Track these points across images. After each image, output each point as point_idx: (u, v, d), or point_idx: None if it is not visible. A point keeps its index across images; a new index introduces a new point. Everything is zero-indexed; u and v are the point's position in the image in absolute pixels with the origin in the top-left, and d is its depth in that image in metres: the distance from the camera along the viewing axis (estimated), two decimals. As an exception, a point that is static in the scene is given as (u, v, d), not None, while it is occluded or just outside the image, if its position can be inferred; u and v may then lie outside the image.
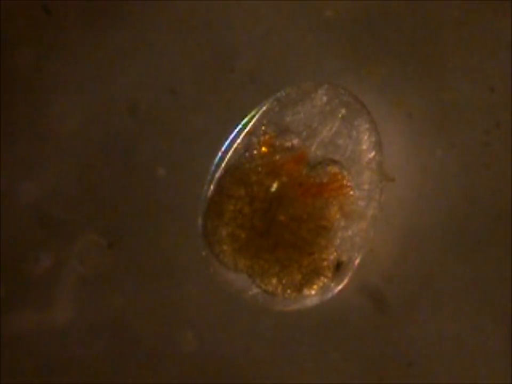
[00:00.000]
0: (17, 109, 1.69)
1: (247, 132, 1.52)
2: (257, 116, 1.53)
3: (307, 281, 1.51)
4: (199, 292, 1.67)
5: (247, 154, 1.51)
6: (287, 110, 1.52)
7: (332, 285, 1.53)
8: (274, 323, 1.67)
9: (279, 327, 1.67)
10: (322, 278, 1.51)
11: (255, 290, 1.53)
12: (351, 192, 1.50)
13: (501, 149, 1.66)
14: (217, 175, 1.53)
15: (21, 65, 1.69)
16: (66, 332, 1.68)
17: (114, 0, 1.68)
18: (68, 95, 1.69)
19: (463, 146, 1.66)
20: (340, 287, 1.53)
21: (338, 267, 1.51)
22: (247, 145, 1.52)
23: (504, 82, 1.65)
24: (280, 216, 1.49)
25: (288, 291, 1.51)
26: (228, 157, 1.52)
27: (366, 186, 1.52)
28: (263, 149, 1.51)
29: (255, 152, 1.51)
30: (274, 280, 1.51)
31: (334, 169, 1.50)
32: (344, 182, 1.50)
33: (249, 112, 1.53)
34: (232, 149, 1.52)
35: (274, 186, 1.49)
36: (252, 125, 1.52)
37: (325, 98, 1.52)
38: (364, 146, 1.52)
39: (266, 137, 1.51)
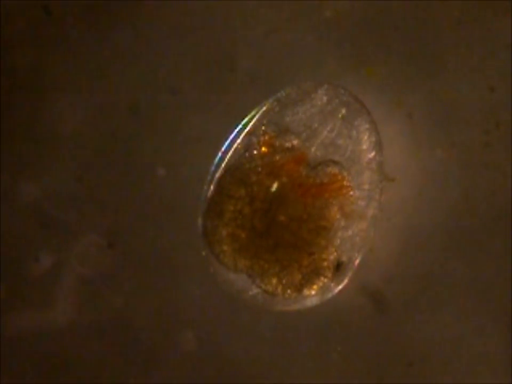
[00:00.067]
0: (17, 109, 1.69)
1: (247, 132, 1.52)
2: (257, 116, 1.53)
3: (307, 281, 1.51)
4: (199, 292, 1.67)
5: (247, 154, 1.51)
6: (287, 110, 1.52)
7: (332, 285, 1.53)
8: (274, 323, 1.67)
9: (279, 327, 1.67)
10: (322, 278, 1.51)
11: (255, 290, 1.53)
12: (351, 193, 1.50)
13: (501, 149, 1.66)
14: (217, 175, 1.53)
15: (21, 65, 1.69)
16: (66, 332, 1.68)
17: (114, 0, 1.68)
18: (68, 95, 1.69)
19: (463, 146, 1.66)
20: (340, 287, 1.53)
21: (338, 267, 1.51)
22: (247, 145, 1.52)
23: (504, 82, 1.65)
24: (280, 217, 1.49)
25: (288, 291, 1.51)
26: (228, 157, 1.52)
27: (366, 186, 1.52)
28: (263, 149, 1.51)
29: (255, 152, 1.51)
30: (274, 280, 1.51)
31: (334, 169, 1.50)
32: (344, 182, 1.50)
33: (249, 112, 1.53)
34: (232, 149, 1.52)
35: (274, 187, 1.49)
36: (252, 125, 1.52)
37: (325, 98, 1.52)
38: (364, 146, 1.52)
39: (266, 137, 1.51)
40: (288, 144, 1.51)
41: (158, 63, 1.68)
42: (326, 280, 1.51)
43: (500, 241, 1.65)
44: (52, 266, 1.68)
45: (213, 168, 1.53)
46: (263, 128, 1.52)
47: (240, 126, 1.53)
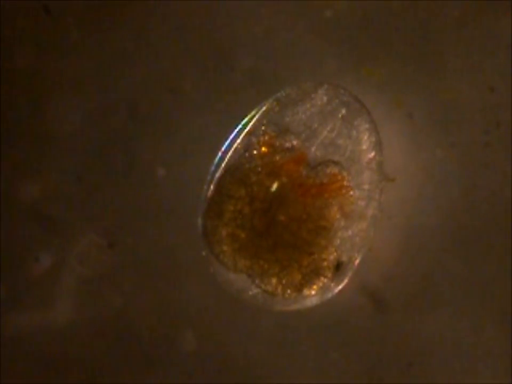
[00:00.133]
0: (17, 109, 1.69)
1: (247, 132, 1.52)
2: (257, 116, 1.53)
3: (307, 281, 1.51)
4: (199, 292, 1.67)
5: (247, 154, 1.51)
6: (287, 110, 1.52)
7: (332, 285, 1.53)
8: (274, 323, 1.67)
9: (279, 327, 1.67)
10: (322, 278, 1.51)
11: (255, 290, 1.53)
12: (351, 193, 1.50)
13: (501, 149, 1.66)
14: (217, 175, 1.53)
15: (21, 65, 1.69)
16: (66, 332, 1.68)
17: (114, 0, 1.68)
18: (68, 95, 1.69)
19: (463, 146, 1.66)
20: (340, 287, 1.53)
21: (338, 267, 1.51)
22: (247, 145, 1.52)
23: (504, 82, 1.65)
24: (280, 217, 1.49)
25: (288, 291, 1.51)
26: (227, 157, 1.52)
27: (366, 186, 1.52)
28: (263, 149, 1.51)
29: (255, 152, 1.51)
30: (274, 280, 1.51)
31: (333, 170, 1.50)
32: (344, 182, 1.50)
33: (249, 112, 1.53)
34: (232, 149, 1.52)
35: (274, 187, 1.49)
36: (252, 125, 1.52)
37: (325, 98, 1.52)
38: (364, 146, 1.52)
39: (266, 137, 1.51)
40: (288, 144, 1.51)
41: (158, 63, 1.68)
42: (326, 280, 1.51)
43: (500, 241, 1.65)
44: (51, 266, 1.68)
45: (213, 168, 1.53)
46: (263, 128, 1.52)
47: (240, 126, 1.53)
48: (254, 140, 1.52)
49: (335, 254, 1.51)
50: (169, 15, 1.68)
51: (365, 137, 1.52)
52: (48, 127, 1.68)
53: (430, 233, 1.66)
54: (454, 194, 1.66)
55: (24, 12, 1.68)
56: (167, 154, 1.68)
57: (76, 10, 1.68)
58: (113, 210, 1.68)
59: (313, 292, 1.52)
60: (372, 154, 1.52)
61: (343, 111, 1.52)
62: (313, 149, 1.51)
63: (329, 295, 1.54)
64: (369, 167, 1.52)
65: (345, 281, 1.53)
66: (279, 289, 1.51)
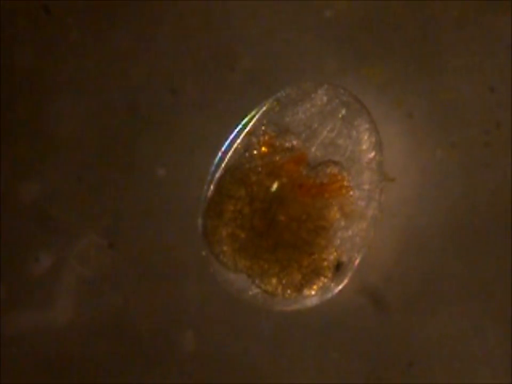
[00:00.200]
0: (17, 109, 1.69)
1: (247, 132, 1.52)
2: (257, 116, 1.52)
3: (307, 281, 1.51)
4: (199, 292, 1.67)
5: (247, 154, 1.51)
6: (287, 110, 1.52)
7: (332, 285, 1.53)
8: (274, 323, 1.67)
9: (279, 327, 1.67)
10: (322, 278, 1.51)
11: (255, 290, 1.53)
12: (351, 193, 1.50)
13: (501, 149, 1.66)
14: (217, 175, 1.53)
15: (21, 65, 1.69)
16: (66, 332, 1.68)
17: (114, 0, 1.68)
18: (68, 95, 1.69)
19: (463, 146, 1.66)
20: (340, 287, 1.53)
21: (338, 267, 1.51)
22: (247, 145, 1.52)
23: (504, 82, 1.65)
24: (280, 217, 1.49)
25: (288, 291, 1.51)
26: (228, 157, 1.52)
27: (366, 187, 1.52)
28: (263, 149, 1.51)
29: (255, 152, 1.51)
30: (274, 280, 1.51)
31: (333, 170, 1.50)
32: (344, 182, 1.50)
33: (249, 112, 1.53)
34: (232, 149, 1.52)
35: (274, 187, 1.49)
36: (252, 125, 1.52)
37: (325, 99, 1.52)
38: (364, 147, 1.52)
39: (266, 137, 1.51)
40: (288, 144, 1.51)
41: (158, 63, 1.68)
42: (326, 280, 1.51)
43: (500, 241, 1.65)
44: (51, 266, 1.68)
45: (213, 168, 1.53)
46: (263, 128, 1.52)
47: (240, 126, 1.53)
48: (254, 139, 1.52)
49: (335, 254, 1.51)
50: (169, 15, 1.68)
51: (365, 137, 1.52)
52: (48, 127, 1.68)
53: (430, 233, 1.66)
54: (454, 194, 1.66)
55: (24, 12, 1.68)
56: (167, 154, 1.68)
57: (75, 10, 1.68)
58: (113, 210, 1.68)
59: (313, 292, 1.52)
60: (372, 154, 1.52)
61: (343, 111, 1.52)
62: (313, 149, 1.51)
63: (329, 295, 1.54)
64: (369, 167, 1.52)
65: (345, 281, 1.53)
66: (279, 289, 1.51)
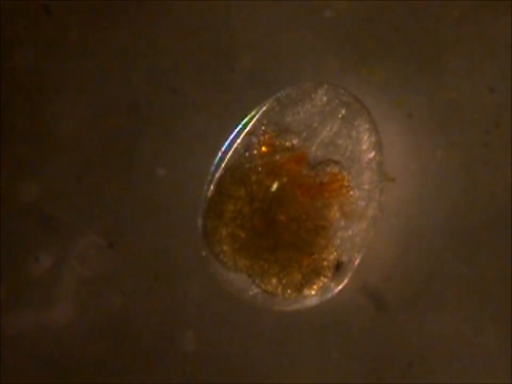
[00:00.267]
0: (17, 109, 1.69)
1: (247, 132, 1.52)
2: (257, 116, 1.53)
3: (307, 281, 1.51)
4: (199, 292, 1.67)
5: (247, 154, 1.51)
6: (287, 110, 1.52)
7: (332, 285, 1.53)
8: (274, 323, 1.67)
9: (279, 327, 1.67)
10: (322, 278, 1.51)
11: (255, 290, 1.53)
12: (351, 192, 1.50)
13: (501, 149, 1.66)
14: (217, 175, 1.53)
15: (21, 65, 1.69)
16: (66, 331, 1.68)
17: (114, 0, 1.68)
18: (68, 95, 1.69)
19: (463, 146, 1.66)
20: (340, 287, 1.53)
21: (338, 267, 1.51)
22: (247, 145, 1.52)
23: (504, 82, 1.65)
24: (280, 216, 1.49)
25: (288, 291, 1.51)
26: (228, 157, 1.52)
27: (366, 186, 1.52)
28: (263, 148, 1.51)
29: (255, 152, 1.51)
30: (274, 280, 1.51)
31: (334, 169, 1.50)
32: (344, 182, 1.50)
33: (249, 112, 1.53)
34: (232, 149, 1.52)
35: (274, 187, 1.49)
36: (252, 125, 1.52)
37: (325, 99, 1.52)
38: (364, 146, 1.52)
39: (266, 137, 1.51)
40: (288, 144, 1.51)
41: (158, 63, 1.68)
42: (326, 280, 1.51)
43: (500, 241, 1.65)
44: (51, 266, 1.68)
45: (213, 168, 1.53)
46: (263, 128, 1.52)
47: (240, 126, 1.53)
48: (254, 139, 1.52)
49: (335, 254, 1.51)
50: (169, 15, 1.68)
51: (365, 137, 1.52)
52: (48, 127, 1.68)
53: (430, 233, 1.66)
54: (454, 194, 1.66)
55: (24, 12, 1.68)
56: (167, 154, 1.68)
57: (75, 10, 1.68)
58: (113, 210, 1.68)
59: (313, 292, 1.52)
60: (372, 154, 1.52)
61: (343, 111, 1.52)
62: (313, 148, 1.51)
63: (329, 295, 1.54)
64: (369, 167, 1.52)
65: (345, 281, 1.53)
66: (279, 289, 1.51)
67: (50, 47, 1.69)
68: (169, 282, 1.68)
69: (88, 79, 1.68)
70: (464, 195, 1.66)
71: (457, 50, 1.66)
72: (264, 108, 1.53)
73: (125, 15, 1.68)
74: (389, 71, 1.67)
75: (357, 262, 1.53)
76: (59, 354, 1.68)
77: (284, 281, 1.50)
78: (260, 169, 1.50)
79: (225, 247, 1.51)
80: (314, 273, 1.50)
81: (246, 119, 1.53)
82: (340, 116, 1.52)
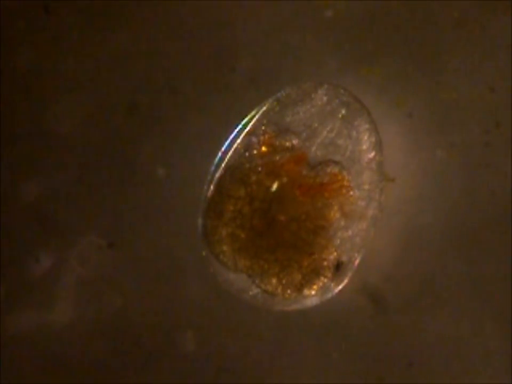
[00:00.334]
0: (17, 109, 1.69)
1: (247, 132, 1.52)
2: (257, 116, 1.53)
3: (307, 281, 1.51)
4: (199, 292, 1.67)
5: (247, 154, 1.52)
6: (287, 110, 1.52)
7: (332, 285, 1.53)
8: (274, 323, 1.67)
9: (279, 327, 1.67)
10: (322, 278, 1.51)
11: (255, 290, 1.53)
12: (351, 193, 1.50)
13: (501, 149, 1.66)
14: (217, 175, 1.53)
15: (21, 65, 1.69)
16: (66, 332, 1.68)
17: (114, 0, 1.68)
18: (68, 95, 1.69)
19: (463, 146, 1.66)
20: (340, 287, 1.53)
21: (338, 267, 1.51)
22: (247, 145, 1.52)
23: (504, 82, 1.65)
24: (280, 216, 1.49)
25: (288, 291, 1.51)
26: (228, 157, 1.52)
27: (366, 186, 1.52)
28: (263, 148, 1.51)
29: (255, 152, 1.51)
30: (274, 280, 1.51)
31: (334, 169, 1.50)
32: (344, 182, 1.50)
33: (249, 112, 1.53)
34: (232, 149, 1.52)
35: (274, 187, 1.49)
36: (252, 125, 1.52)
37: (325, 99, 1.52)
38: (364, 147, 1.52)
39: (266, 137, 1.51)
40: (288, 144, 1.51)
41: (158, 63, 1.68)
42: (326, 280, 1.51)
43: (500, 241, 1.65)
44: (51, 266, 1.68)
45: (213, 168, 1.53)
46: (263, 128, 1.52)
47: (240, 126, 1.53)
48: (254, 139, 1.52)
49: (335, 254, 1.51)
50: (169, 15, 1.68)
51: (365, 137, 1.52)
52: (48, 127, 1.69)
53: (430, 233, 1.66)
54: (454, 194, 1.66)
55: (24, 12, 1.68)
56: (167, 154, 1.68)
57: (75, 10, 1.68)
58: (113, 210, 1.68)
59: (313, 292, 1.52)
60: (372, 154, 1.52)
61: (343, 111, 1.52)
62: (313, 148, 1.51)
63: (329, 295, 1.54)
64: (369, 167, 1.52)
65: (345, 281, 1.53)
66: (279, 289, 1.51)
67: (50, 47, 1.69)
68: (169, 282, 1.68)
69: (88, 79, 1.68)
70: (464, 195, 1.66)
71: (457, 50, 1.66)
72: (264, 108, 1.53)
73: (125, 15, 1.68)
74: (389, 71, 1.67)
75: (357, 262, 1.53)
76: (59, 354, 1.68)
77: (284, 281, 1.50)
78: (259, 169, 1.50)
79: (225, 247, 1.51)
80: (314, 273, 1.50)
81: (246, 119, 1.53)
82: (340, 116, 1.52)
